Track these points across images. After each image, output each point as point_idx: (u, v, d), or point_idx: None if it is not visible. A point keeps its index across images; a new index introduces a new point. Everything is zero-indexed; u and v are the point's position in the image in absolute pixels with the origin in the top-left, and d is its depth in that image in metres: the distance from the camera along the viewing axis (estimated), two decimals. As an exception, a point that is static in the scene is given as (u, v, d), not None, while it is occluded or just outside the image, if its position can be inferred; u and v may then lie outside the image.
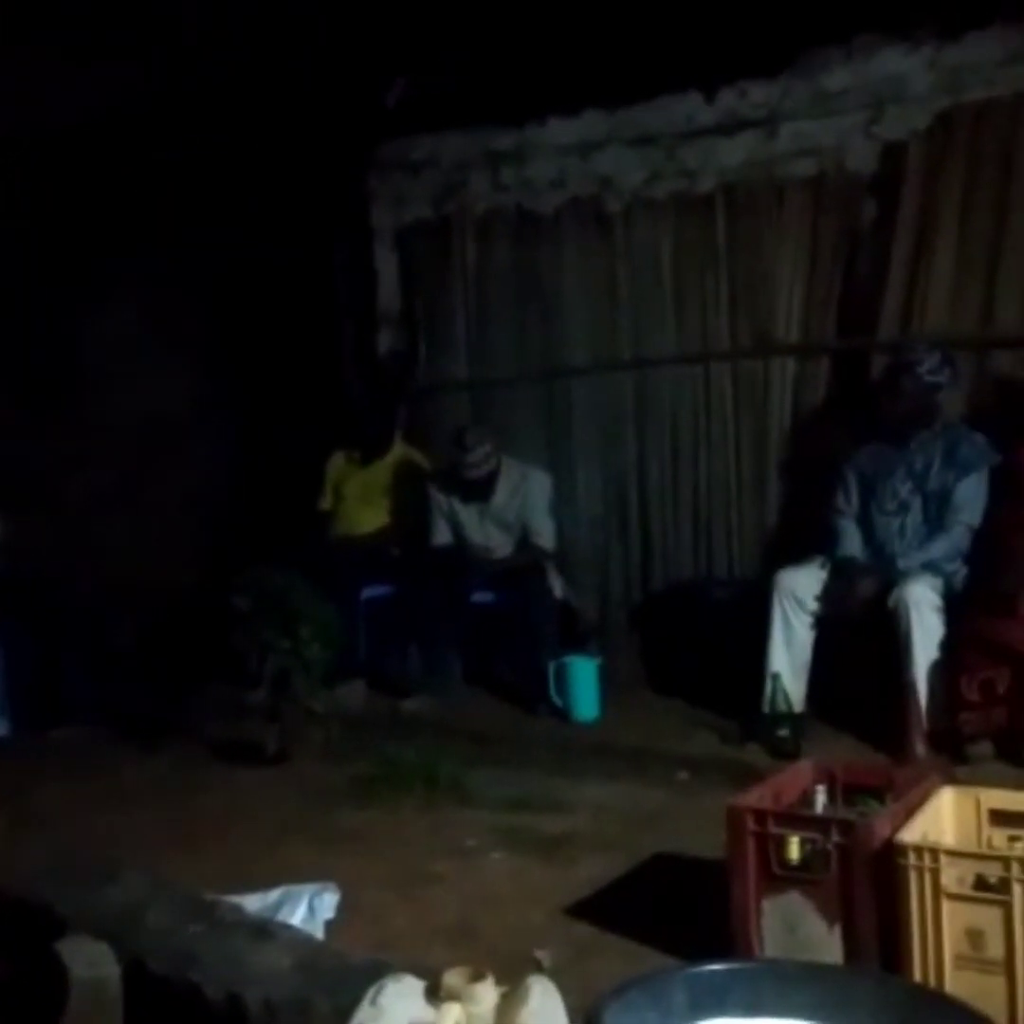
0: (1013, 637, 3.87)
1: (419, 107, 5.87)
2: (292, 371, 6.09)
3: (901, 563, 4.24)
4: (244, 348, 6.24)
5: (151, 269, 5.98)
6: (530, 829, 3.69)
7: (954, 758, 3.88)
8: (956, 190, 4.74)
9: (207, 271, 6.15)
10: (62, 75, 5.16)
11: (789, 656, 4.34)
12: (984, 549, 4.18)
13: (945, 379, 4.38)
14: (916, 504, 4.36)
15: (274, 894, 3.04)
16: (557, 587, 5.24)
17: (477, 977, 1.84)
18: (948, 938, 2.38)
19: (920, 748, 3.96)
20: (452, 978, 1.84)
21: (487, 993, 1.83)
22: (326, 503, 5.87)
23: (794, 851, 2.60)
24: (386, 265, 6.24)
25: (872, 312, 4.90)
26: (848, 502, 4.52)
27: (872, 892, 2.51)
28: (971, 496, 4.25)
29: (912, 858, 2.41)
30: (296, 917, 2.92)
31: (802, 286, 5.12)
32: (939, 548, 4.24)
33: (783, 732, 4.20)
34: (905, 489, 4.38)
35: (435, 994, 1.84)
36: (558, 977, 2.08)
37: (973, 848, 2.61)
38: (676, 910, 2.96)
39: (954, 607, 4.07)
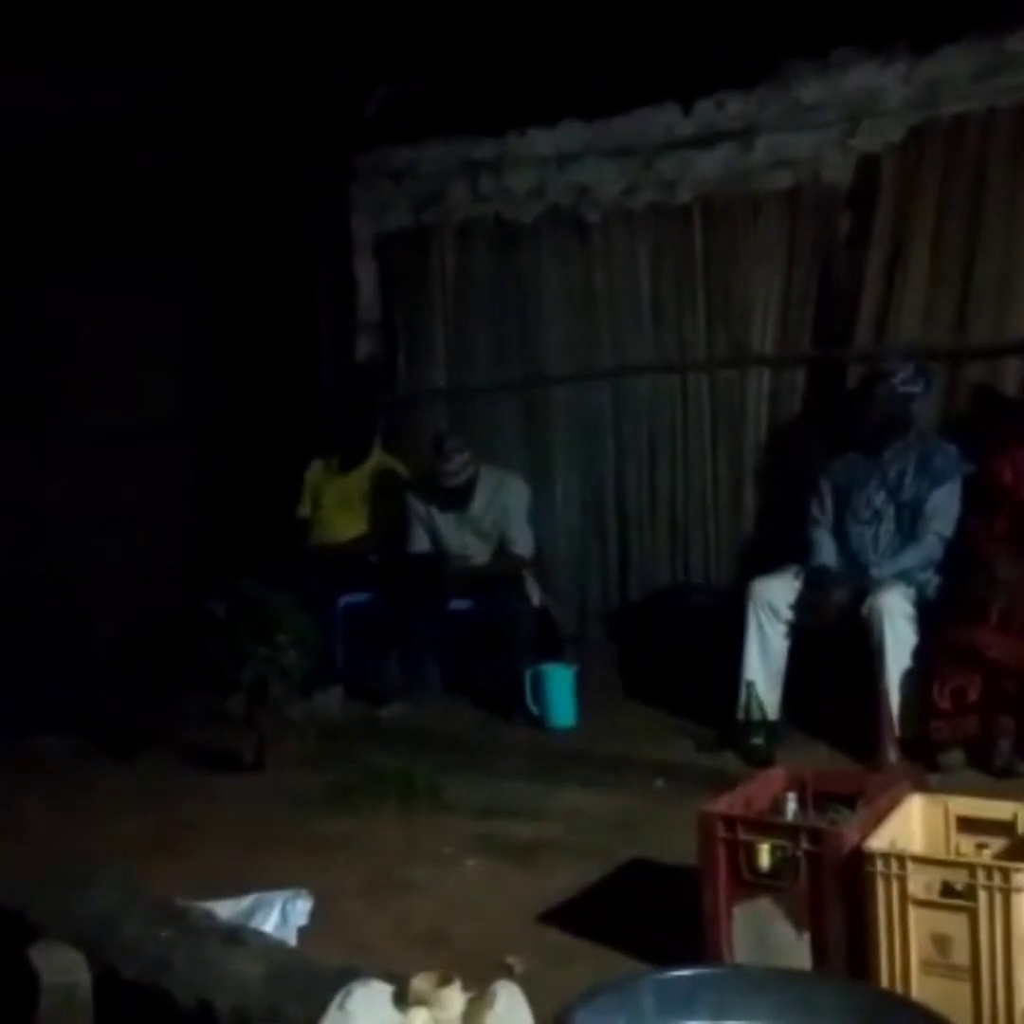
0: (984, 645, 3.89)
1: (399, 116, 5.89)
2: (271, 378, 6.10)
3: (874, 572, 4.27)
4: (223, 356, 6.24)
5: (129, 277, 5.98)
6: (506, 836, 3.70)
7: (927, 766, 3.90)
8: (930, 202, 4.78)
9: (186, 279, 6.16)
10: (37, 84, 5.16)
11: (764, 664, 4.36)
12: (957, 558, 4.21)
13: (919, 389, 4.43)
14: (890, 514, 4.39)
15: (247, 901, 3.04)
16: (535, 595, 5.26)
17: (444, 982, 1.85)
18: (915, 944, 2.40)
19: (893, 756, 3.98)
20: (420, 983, 1.85)
21: (454, 998, 1.84)
22: (305, 510, 5.87)
23: (764, 858, 2.62)
24: (365, 273, 6.25)
25: (847, 323, 4.94)
26: (822, 512, 4.55)
27: (841, 898, 2.53)
28: (944, 506, 4.29)
29: (880, 865, 2.44)
30: (269, 924, 2.92)
31: (778, 297, 5.16)
32: (911, 557, 4.27)
33: (758, 740, 4.22)
34: (879, 499, 4.41)
35: (403, 999, 1.85)
36: (530, 983, 2.09)
37: (941, 855, 2.63)
38: (650, 917, 2.97)
39: (927, 616, 4.10)
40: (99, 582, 5.78)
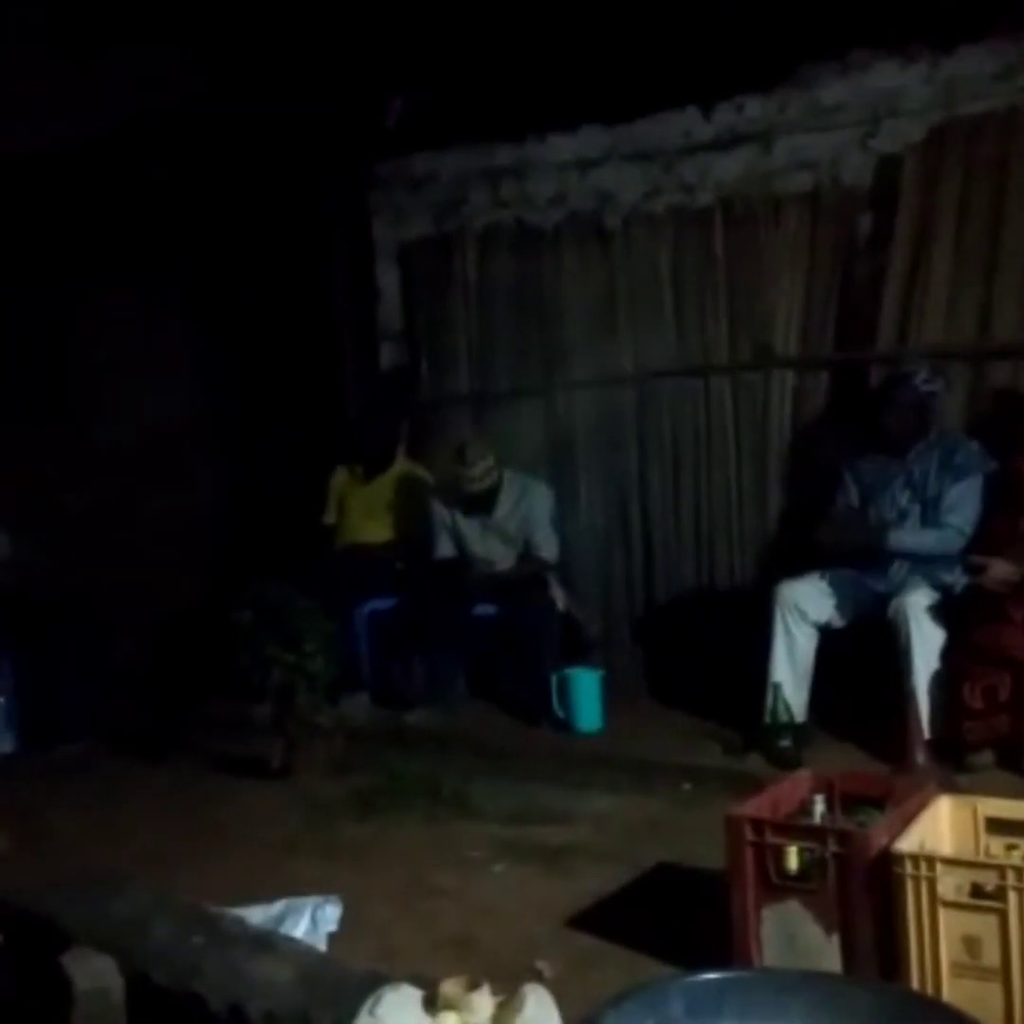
0: (1013, 644, 3.88)
1: (419, 124, 5.90)
2: (294, 387, 6.13)
3: (892, 539, 4.30)
4: (246, 364, 6.27)
5: (152, 286, 6.02)
6: (532, 841, 3.71)
7: (955, 767, 3.90)
8: (952, 203, 4.76)
9: (209, 288, 6.20)
10: (60, 93, 5.21)
11: (790, 666, 4.35)
12: (979, 553, 4.18)
13: (938, 388, 4.43)
14: (915, 512, 4.39)
15: (277, 906, 3.06)
16: (559, 599, 5.26)
17: (474, 987, 1.86)
18: (945, 946, 2.40)
19: (921, 757, 3.97)
20: (449, 988, 1.86)
21: (483, 1002, 1.85)
22: (330, 518, 5.90)
23: (792, 860, 2.62)
24: (387, 281, 6.27)
25: (869, 324, 4.93)
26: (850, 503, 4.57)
27: (870, 901, 2.53)
28: (962, 499, 4.28)
29: (909, 867, 2.44)
30: (299, 929, 2.94)
31: (800, 299, 5.14)
32: (927, 538, 4.29)
33: (785, 742, 4.21)
34: (904, 498, 4.41)
35: (432, 1004, 1.86)
36: (558, 988, 2.10)
37: (970, 856, 2.63)
38: (678, 920, 2.98)
39: (954, 615, 4.09)
40: (124, 590, 5.81)
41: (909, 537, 4.32)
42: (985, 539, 4.19)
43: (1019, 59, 4.65)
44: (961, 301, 4.75)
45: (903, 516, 4.41)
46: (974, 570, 4.04)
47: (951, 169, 4.77)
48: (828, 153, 5.05)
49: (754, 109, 5.21)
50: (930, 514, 4.35)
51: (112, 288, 6.00)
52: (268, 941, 2.47)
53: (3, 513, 5.44)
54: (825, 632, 4.38)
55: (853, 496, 4.55)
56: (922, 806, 2.71)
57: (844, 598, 4.38)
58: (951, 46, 4.77)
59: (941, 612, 4.08)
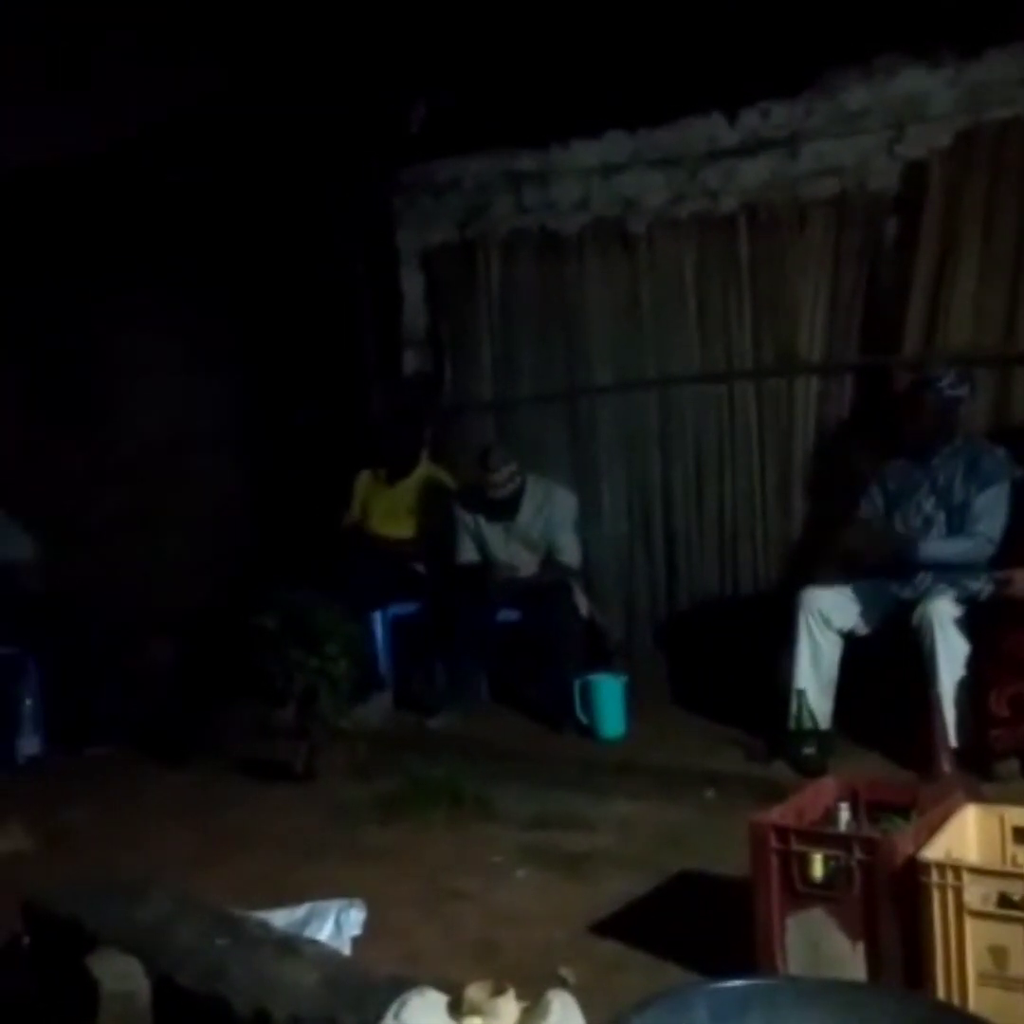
0: (1039, 652, 3.86)
1: (443, 130, 5.93)
2: (318, 392, 6.15)
3: (921, 551, 4.27)
4: (270, 369, 6.30)
5: (176, 291, 6.05)
6: (555, 846, 3.71)
7: (982, 775, 3.87)
8: (978, 208, 4.75)
9: (234, 293, 6.23)
10: (80, 98, 5.25)
11: (815, 673, 4.34)
12: (1009, 563, 4.16)
13: (964, 393, 4.40)
14: (940, 519, 4.36)
15: (301, 910, 3.07)
16: (582, 605, 5.26)
17: (498, 992, 1.85)
18: (971, 955, 2.38)
19: (946, 765, 3.94)
20: (474, 992, 1.86)
21: (508, 1008, 1.85)
22: (352, 517, 5.90)
23: (817, 868, 2.60)
24: (412, 287, 6.30)
25: (895, 329, 4.92)
26: (874, 513, 4.54)
27: (895, 909, 2.52)
28: (990, 507, 4.25)
29: (935, 876, 2.42)
30: (323, 933, 2.94)
31: (825, 304, 5.14)
32: (957, 547, 4.26)
33: (809, 749, 4.19)
34: (929, 504, 4.39)
35: (457, 1009, 1.86)
36: (583, 994, 2.09)
37: (997, 866, 2.61)
38: (701, 928, 2.96)
39: (980, 623, 4.06)
40: (149, 594, 5.85)
41: (938, 547, 4.28)
42: (1013, 546, 4.17)
43: (1046, 64, 4.63)
44: (987, 306, 4.74)
45: (928, 522, 4.38)
46: (1000, 583, 4.02)
47: (977, 174, 4.77)
48: (854, 158, 5.05)
49: (779, 114, 5.20)
50: (956, 521, 4.32)
51: (136, 292, 6.04)
52: (292, 944, 2.47)
53: (28, 516, 5.47)
54: (850, 639, 4.36)
55: (878, 502, 4.54)
56: (948, 815, 2.69)
57: (869, 605, 4.35)
58: (977, 51, 4.76)
59: (966, 620, 4.05)
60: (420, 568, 5.65)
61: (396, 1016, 1.84)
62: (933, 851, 2.49)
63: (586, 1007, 2.00)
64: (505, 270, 5.99)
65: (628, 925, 3.07)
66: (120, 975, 2.30)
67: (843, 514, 4.67)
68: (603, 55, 5.23)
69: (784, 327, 5.21)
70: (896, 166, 4.98)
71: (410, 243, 6.28)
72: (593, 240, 5.70)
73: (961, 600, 4.09)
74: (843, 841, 2.62)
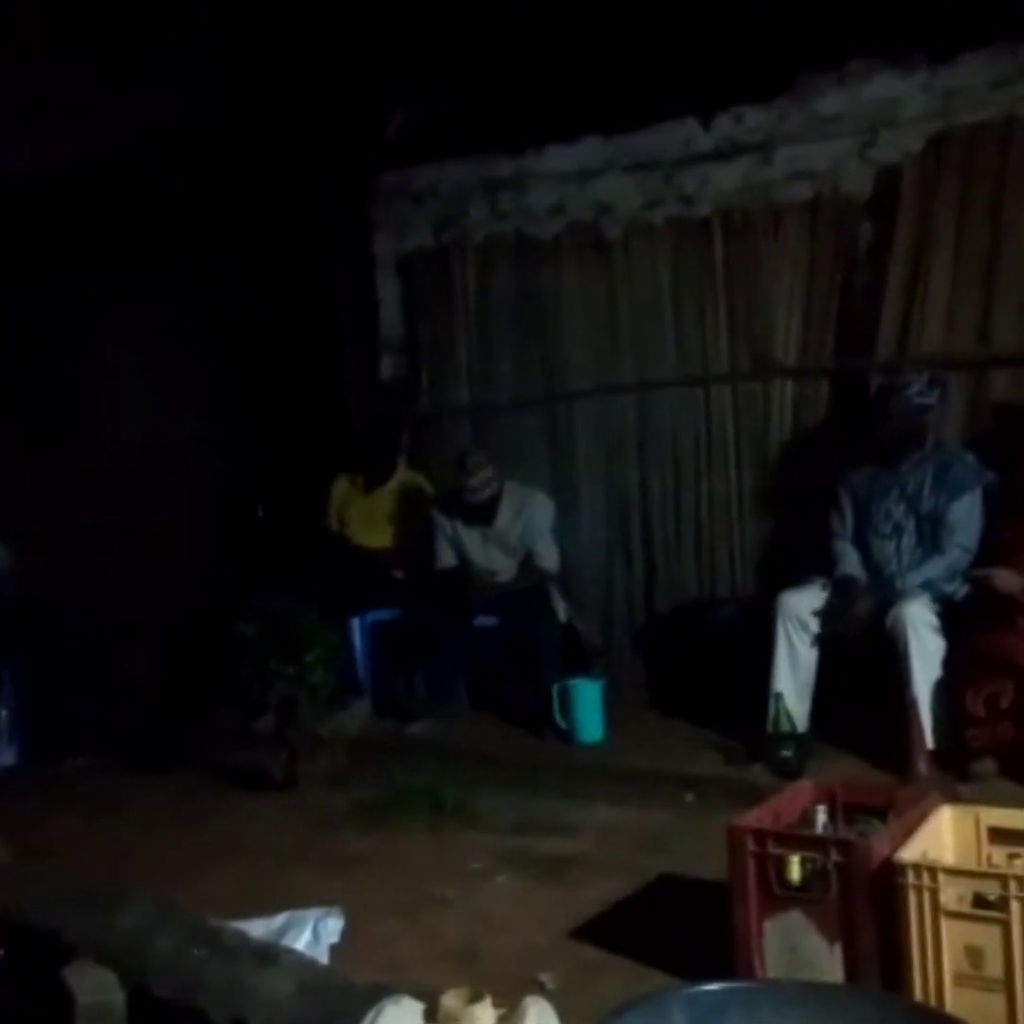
0: (1016, 651, 3.88)
1: (419, 137, 5.93)
2: (295, 399, 6.14)
3: (899, 584, 4.26)
4: (247, 376, 6.29)
5: (153, 300, 6.04)
6: (535, 852, 3.71)
7: (958, 776, 3.89)
8: (950, 212, 4.78)
9: (210, 301, 6.21)
10: (60, 110, 5.23)
11: (792, 677, 4.35)
12: (985, 565, 4.18)
13: (934, 401, 4.42)
14: (910, 526, 4.37)
15: (279, 919, 3.05)
16: (560, 610, 5.26)
17: (475, 998, 1.85)
18: (948, 956, 2.39)
19: (923, 767, 3.97)
20: (450, 1000, 1.85)
21: (485, 1014, 1.84)
22: (332, 523, 5.89)
23: (794, 871, 2.61)
24: (388, 293, 6.29)
25: (869, 333, 4.94)
26: (843, 524, 4.55)
27: (872, 911, 2.53)
28: (964, 518, 4.27)
29: (911, 877, 2.43)
30: (301, 942, 2.93)
31: (800, 308, 5.16)
32: (935, 569, 4.26)
33: (786, 752, 4.20)
34: (899, 511, 4.40)
35: (434, 1016, 1.86)
36: (562, 999, 2.10)
37: (972, 866, 2.63)
38: (681, 931, 2.97)
39: (956, 622, 4.08)
40: (127, 603, 5.82)
41: (920, 575, 4.25)
42: (990, 549, 4.19)
43: (1017, 68, 4.67)
44: (960, 310, 4.77)
45: (898, 529, 4.39)
46: (978, 582, 4.04)
47: (950, 178, 4.79)
48: (827, 163, 5.07)
49: (753, 119, 5.23)
50: (926, 527, 4.33)
51: (112, 302, 6.02)
52: (270, 954, 2.46)
53: (7, 525, 5.44)
54: (827, 642, 4.37)
55: (847, 517, 4.53)
56: (924, 816, 2.71)
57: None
58: (949, 56, 4.79)
59: (941, 621, 4.07)
60: (398, 574, 5.64)
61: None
62: (909, 852, 2.50)
63: (567, 1012, 2.01)
64: (481, 276, 5.99)
65: (608, 929, 3.08)
66: (96, 987, 2.30)
67: (819, 518, 4.68)
68: (578, 61, 5.25)
69: (759, 331, 5.24)
70: (869, 171, 5.00)
71: (387, 249, 6.27)
72: (569, 245, 5.71)
73: (935, 602, 4.11)
74: (820, 843, 2.63)
